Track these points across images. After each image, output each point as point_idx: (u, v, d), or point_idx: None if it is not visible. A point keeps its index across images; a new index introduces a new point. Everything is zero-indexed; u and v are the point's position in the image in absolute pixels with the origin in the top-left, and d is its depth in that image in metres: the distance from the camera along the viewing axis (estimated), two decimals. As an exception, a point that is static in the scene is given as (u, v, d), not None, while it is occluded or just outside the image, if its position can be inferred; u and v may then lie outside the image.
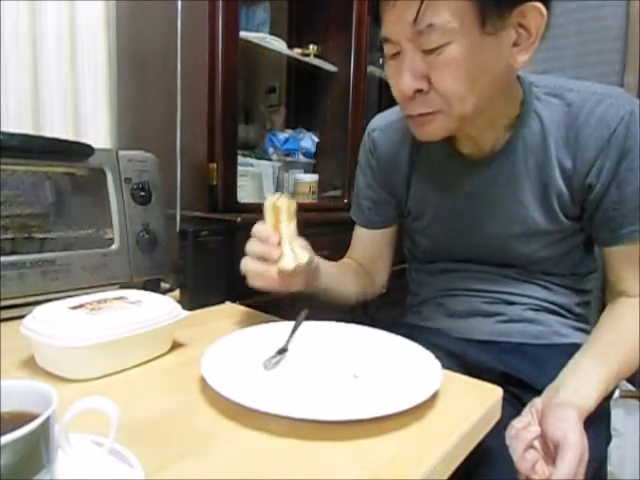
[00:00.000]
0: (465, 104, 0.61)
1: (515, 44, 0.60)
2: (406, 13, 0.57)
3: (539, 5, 0.58)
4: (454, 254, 0.81)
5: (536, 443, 0.55)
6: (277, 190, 1.49)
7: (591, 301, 0.83)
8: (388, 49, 0.63)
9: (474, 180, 0.74)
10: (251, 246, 0.63)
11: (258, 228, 0.63)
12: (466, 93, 0.60)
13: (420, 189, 0.81)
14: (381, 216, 0.88)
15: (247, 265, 0.63)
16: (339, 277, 0.82)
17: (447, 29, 0.56)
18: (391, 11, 0.59)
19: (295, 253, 0.61)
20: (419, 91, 0.61)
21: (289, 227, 0.63)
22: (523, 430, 0.55)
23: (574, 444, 0.51)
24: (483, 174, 0.73)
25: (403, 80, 0.60)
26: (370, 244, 0.91)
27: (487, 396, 0.50)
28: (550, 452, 0.53)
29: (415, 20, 0.56)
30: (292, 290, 0.66)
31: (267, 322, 0.65)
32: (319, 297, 0.78)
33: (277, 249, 0.60)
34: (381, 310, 1.15)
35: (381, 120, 0.87)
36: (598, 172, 0.66)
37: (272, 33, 1.41)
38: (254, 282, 0.63)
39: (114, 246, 0.81)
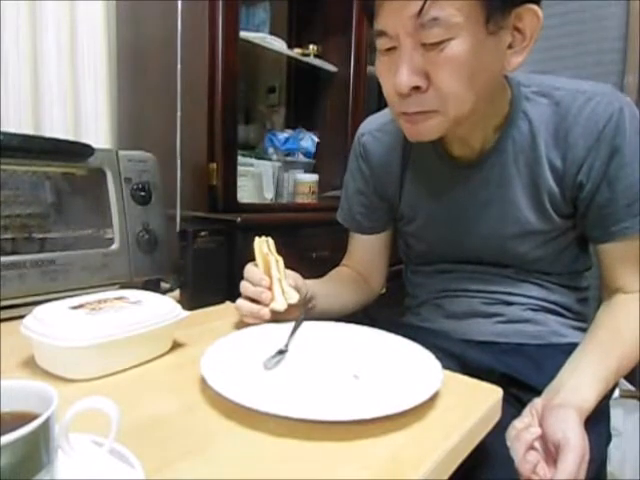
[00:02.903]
0: (462, 105, 0.60)
1: (510, 46, 0.59)
2: (408, 5, 0.54)
3: (536, 8, 0.57)
4: (449, 256, 0.80)
5: (537, 444, 0.55)
6: (277, 190, 1.49)
7: (589, 298, 0.82)
8: (383, 43, 0.60)
9: (465, 183, 0.74)
10: (244, 288, 0.66)
11: (249, 270, 0.67)
12: (465, 93, 0.59)
13: (412, 192, 0.80)
14: (374, 221, 0.88)
15: (242, 306, 0.66)
16: (337, 295, 0.83)
17: (451, 23, 0.54)
18: (390, 3, 0.56)
19: (286, 293, 0.65)
20: (416, 88, 0.58)
21: (278, 267, 0.67)
22: (524, 431, 0.55)
23: (575, 445, 0.51)
24: (474, 176, 0.73)
25: (400, 76, 0.58)
26: (365, 249, 0.90)
27: (487, 396, 0.50)
28: (551, 453, 0.53)
29: (420, 12, 0.54)
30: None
31: (267, 322, 0.65)
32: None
33: (268, 292, 0.64)
34: (381, 310, 1.15)
35: (371, 123, 0.86)
36: (588, 171, 0.66)
37: (272, 33, 1.41)
38: (249, 321, 0.66)
39: (114, 246, 0.81)
